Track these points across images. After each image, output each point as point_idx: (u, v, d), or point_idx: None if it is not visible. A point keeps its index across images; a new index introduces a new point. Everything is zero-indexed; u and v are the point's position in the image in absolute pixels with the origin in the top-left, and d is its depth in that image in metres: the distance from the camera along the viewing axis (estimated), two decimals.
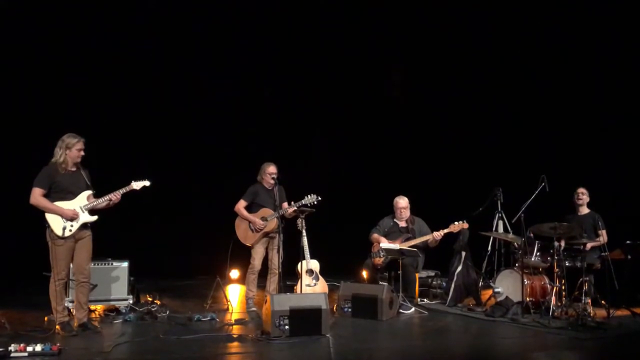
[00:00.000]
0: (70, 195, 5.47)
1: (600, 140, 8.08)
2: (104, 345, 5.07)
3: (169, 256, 8.95)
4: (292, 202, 6.72)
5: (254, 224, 6.76)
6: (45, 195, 5.38)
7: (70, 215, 5.39)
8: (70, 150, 5.44)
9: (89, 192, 5.57)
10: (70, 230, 5.40)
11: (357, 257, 7.87)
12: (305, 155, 9.65)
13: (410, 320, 6.43)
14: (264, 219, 6.73)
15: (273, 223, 6.72)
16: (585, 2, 8.19)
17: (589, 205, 7.38)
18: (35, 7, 8.26)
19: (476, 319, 6.45)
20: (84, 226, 5.51)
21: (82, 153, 5.51)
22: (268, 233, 6.79)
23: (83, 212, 5.47)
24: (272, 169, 6.77)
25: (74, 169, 5.52)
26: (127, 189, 5.62)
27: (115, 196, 5.54)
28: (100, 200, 5.52)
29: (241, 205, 6.85)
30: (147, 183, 5.70)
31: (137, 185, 5.66)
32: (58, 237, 5.35)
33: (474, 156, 9.24)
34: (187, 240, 8.95)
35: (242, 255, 7.12)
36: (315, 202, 6.66)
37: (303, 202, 6.67)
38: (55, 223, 5.36)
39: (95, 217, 5.55)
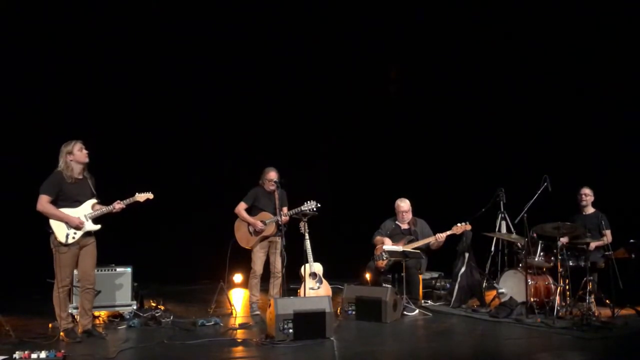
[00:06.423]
0: (77, 203, 5.50)
1: (603, 139, 8.06)
2: (108, 351, 5.07)
3: (172, 261, 8.94)
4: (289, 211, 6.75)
5: (254, 226, 6.76)
6: (52, 203, 5.39)
7: (76, 223, 5.41)
8: (72, 155, 5.45)
9: (94, 200, 5.60)
10: (74, 238, 5.41)
11: (360, 260, 7.86)
12: (307, 158, 9.64)
13: (415, 322, 6.42)
14: (262, 222, 6.74)
15: (272, 227, 6.72)
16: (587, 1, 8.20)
17: (594, 204, 7.37)
18: (44, 14, 8.32)
19: (480, 320, 6.43)
20: (88, 233, 5.53)
21: (86, 151, 5.51)
22: (267, 237, 6.79)
23: (87, 220, 5.49)
24: (272, 174, 6.77)
25: (80, 176, 5.54)
26: (131, 200, 5.65)
27: (119, 207, 5.57)
28: (104, 209, 5.56)
29: (241, 207, 6.87)
30: (150, 195, 5.72)
31: (140, 197, 5.68)
32: (61, 244, 5.37)
33: (476, 157, 9.23)
34: (190, 246, 8.95)
35: (244, 260, 7.14)
36: (315, 209, 6.64)
37: (302, 208, 6.66)
38: (59, 230, 5.38)
39: (98, 226, 5.57)
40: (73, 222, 5.40)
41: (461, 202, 8.01)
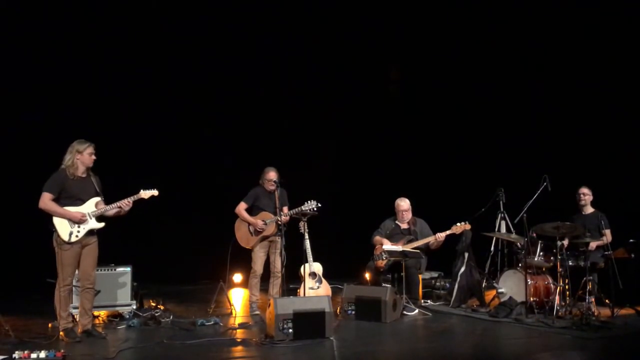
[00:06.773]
0: (79, 201, 5.50)
1: (603, 138, 8.06)
2: (108, 351, 5.07)
3: (172, 261, 8.94)
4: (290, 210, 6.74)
5: (254, 225, 6.77)
6: (55, 201, 5.40)
7: (78, 218, 5.41)
8: (81, 155, 5.46)
9: (98, 198, 5.60)
10: (77, 236, 5.41)
11: (360, 260, 7.86)
12: (307, 158, 9.64)
13: (414, 322, 6.42)
14: (263, 222, 6.74)
15: (272, 227, 6.73)
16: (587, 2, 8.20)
17: (593, 204, 7.36)
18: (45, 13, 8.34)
19: (480, 320, 6.43)
20: (90, 232, 5.53)
21: (94, 157, 5.53)
22: (267, 237, 6.80)
23: (90, 218, 5.49)
24: (271, 174, 6.78)
25: (84, 175, 5.54)
26: (136, 197, 5.64)
27: (124, 204, 5.56)
28: (108, 207, 5.55)
29: (242, 207, 6.87)
30: (155, 193, 5.70)
31: (145, 194, 5.67)
32: (64, 242, 5.36)
33: (476, 157, 9.23)
34: (190, 246, 8.95)
35: (244, 260, 7.14)
36: (315, 209, 6.63)
37: (303, 208, 6.66)
38: (62, 228, 5.38)
39: (102, 224, 5.57)
40: (75, 217, 5.40)
41: (461, 202, 8.00)
